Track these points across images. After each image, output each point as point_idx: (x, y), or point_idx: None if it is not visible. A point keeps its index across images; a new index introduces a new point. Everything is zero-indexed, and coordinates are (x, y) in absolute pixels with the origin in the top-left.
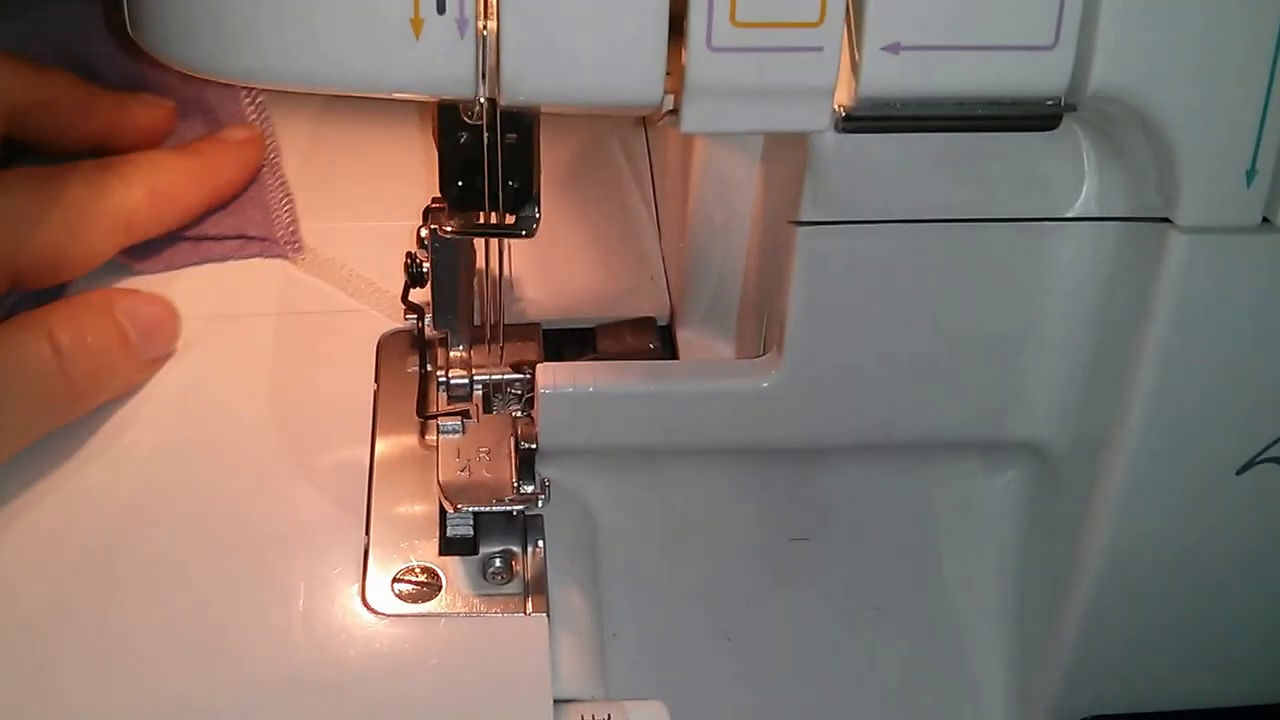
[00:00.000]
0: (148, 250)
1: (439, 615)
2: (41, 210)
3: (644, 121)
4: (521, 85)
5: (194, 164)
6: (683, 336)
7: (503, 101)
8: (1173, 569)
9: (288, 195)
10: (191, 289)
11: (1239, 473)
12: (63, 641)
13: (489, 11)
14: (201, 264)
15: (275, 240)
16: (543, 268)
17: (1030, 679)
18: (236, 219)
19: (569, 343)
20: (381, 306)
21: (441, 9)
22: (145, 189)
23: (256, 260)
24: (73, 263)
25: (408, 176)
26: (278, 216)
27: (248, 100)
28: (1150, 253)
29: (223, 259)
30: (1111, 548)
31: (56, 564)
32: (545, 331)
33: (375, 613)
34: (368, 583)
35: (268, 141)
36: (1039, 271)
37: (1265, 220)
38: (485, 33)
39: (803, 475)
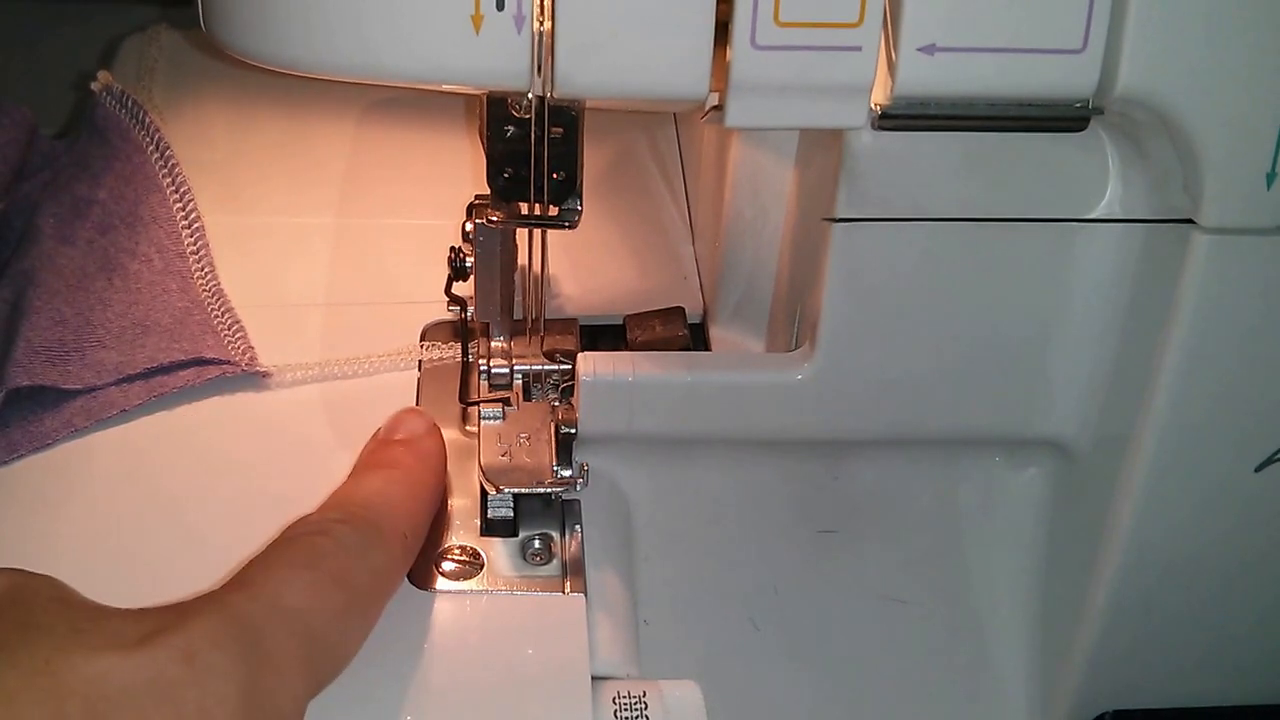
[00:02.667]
0: (94, 400)
1: (481, 592)
2: (323, 594)
3: (676, 124)
4: (573, 79)
5: (420, 492)
6: (715, 332)
7: (555, 94)
8: (1192, 565)
9: (236, 321)
10: (239, 278)
11: (1257, 470)
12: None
13: (544, 9)
14: (155, 398)
15: (235, 363)
16: (580, 266)
17: (1052, 673)
18: (186, 344)
19: (605, 337)
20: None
21: (500, 6)
22: (401, 544)
23: (307, 254)
24: (350, 652)
25: (447, 178)
26: (231, 344)
27: (179, 207)
28: (1173, 253)
29: (179, 388)
30: (1132, 544)
31: (114, 541)
32: (581, 326)
33: (420, 588)
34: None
35: (203, 260)
36: (1065, 271)
37: None
38: (540, 29)
39: (832, 468)
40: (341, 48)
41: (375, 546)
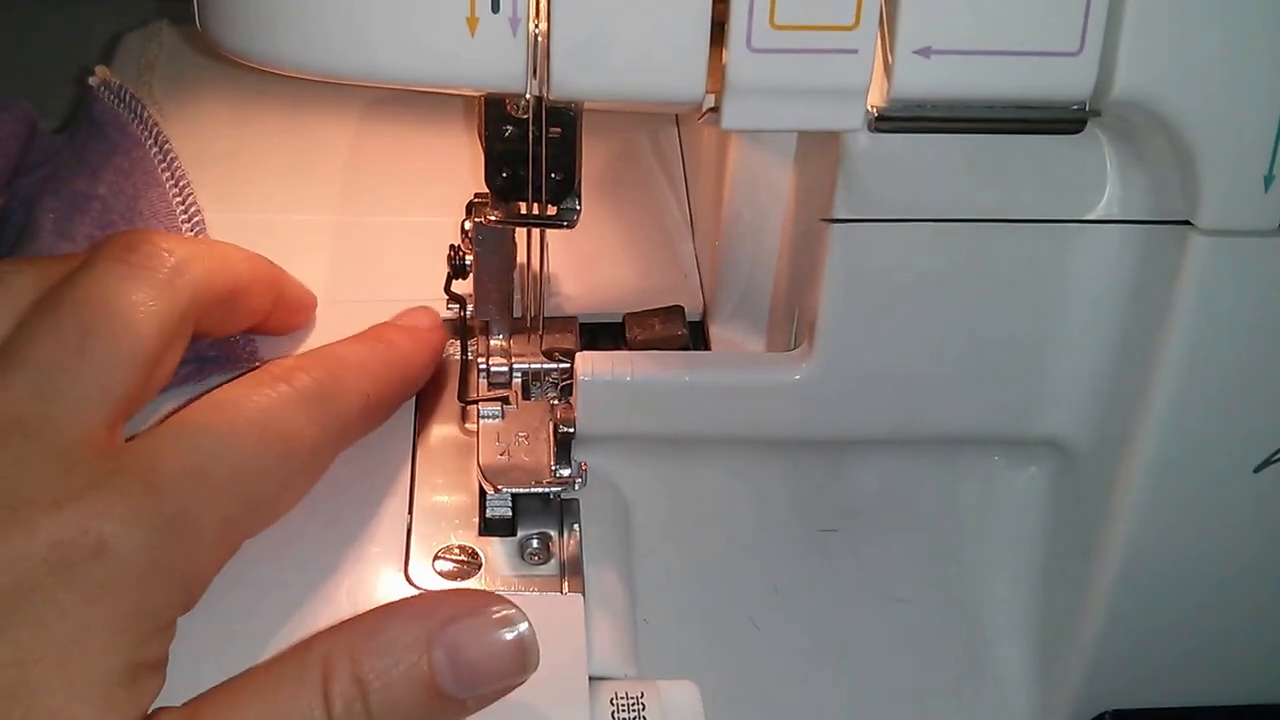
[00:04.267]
0: None
1: None
2: (266, 455)
3: (678, 123)
4: (569, 82)
5: (398, 365)
6: (715, 331)
7: (551, 97)
8: (1191, 565)
9: None
10: None
11: (1256, 471)
12: None
13: (540, 11)
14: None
15: (233, 356)
16: (580, 264)
17: (1051, 673)
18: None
19: (604, 335)
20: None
21: (496, 8)
22: (360, 402)
23: (302, 253)
24: (290, 502)
25: (446, 176)
26: (232, 341)
27: (179, 202)
28: (1171, 255)
29: (178, 386)
30: (1131, 543)
31: None
32: (581, 324)
33: (418, 588)
34: (410, 560)
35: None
36: (1063, 272)
37: None
38: (536, 31)
39: (832, 468)
40: (337, 50)
41: (332, 399)
